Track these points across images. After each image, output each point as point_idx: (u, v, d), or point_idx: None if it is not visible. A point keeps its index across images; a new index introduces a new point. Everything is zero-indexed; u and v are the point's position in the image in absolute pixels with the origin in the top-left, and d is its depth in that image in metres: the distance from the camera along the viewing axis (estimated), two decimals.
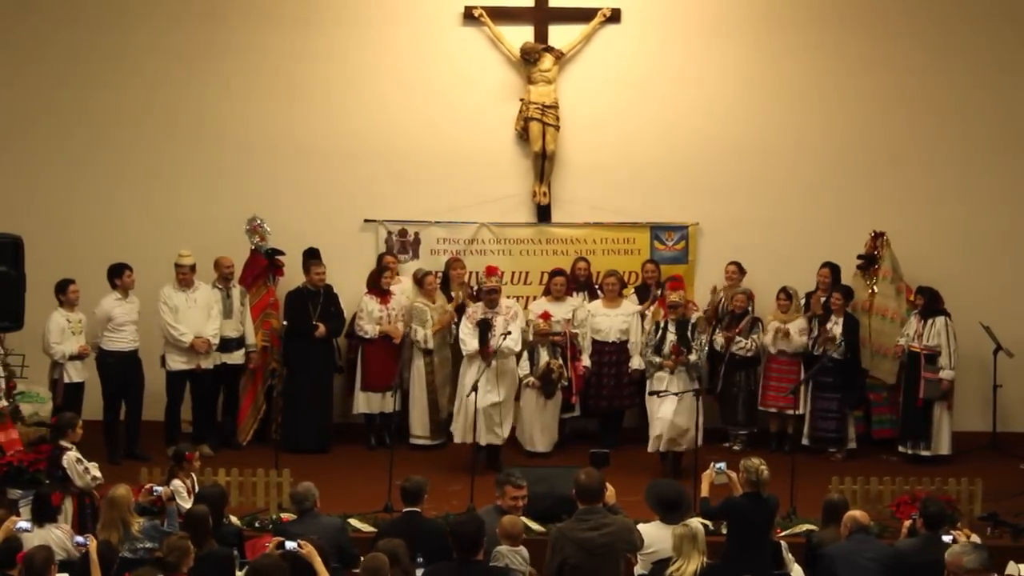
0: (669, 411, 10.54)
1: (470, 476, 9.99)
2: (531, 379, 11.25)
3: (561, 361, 11.30)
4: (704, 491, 8.36)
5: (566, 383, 11.38)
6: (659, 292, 11.90)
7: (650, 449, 10.77)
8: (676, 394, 10.51)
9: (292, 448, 11.22)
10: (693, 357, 10.63)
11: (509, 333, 10.75)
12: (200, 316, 11.35)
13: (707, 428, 10.90)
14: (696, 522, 7.52)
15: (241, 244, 11.79)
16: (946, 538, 7.55)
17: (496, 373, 10.86)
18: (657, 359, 10.69)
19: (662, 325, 10.78)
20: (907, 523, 8.26)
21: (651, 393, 10.79)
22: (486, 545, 7.24)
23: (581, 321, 11.70)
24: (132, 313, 11.19)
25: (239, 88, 12.36)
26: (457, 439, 11.17)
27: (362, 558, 7.22)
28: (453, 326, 11.50)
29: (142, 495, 8.69)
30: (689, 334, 10.69)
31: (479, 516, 7.60)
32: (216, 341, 11.38)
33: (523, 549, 7.39)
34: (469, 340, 10.91)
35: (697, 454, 10.35)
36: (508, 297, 11.82)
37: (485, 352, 10.76)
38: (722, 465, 8.31)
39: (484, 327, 10.83)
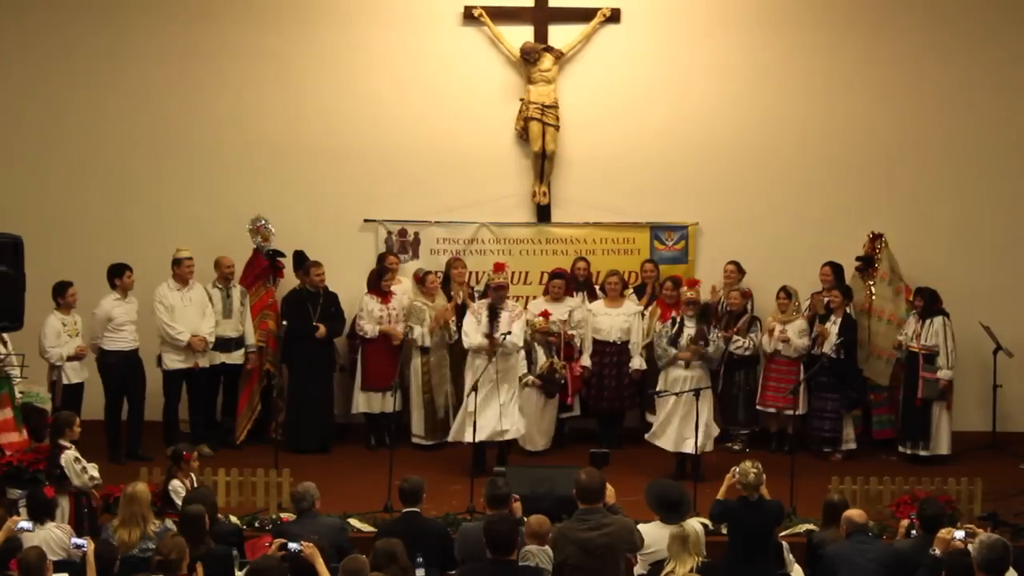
0: (675, 415, 10.53)
1: (470, 477, 9.99)
2: (531, 378, 11.20)
3: (562, 360, 11.28)
4: (721, 493, 8.36)
5: (563, 382, 11.36)
6: (658, 291, 11.90)
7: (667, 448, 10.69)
8: (678, 393, 10.48)
9: (294, 448, 11.24)
10: (711, 348, 10.58)
11: (509, 333, 10.68)
12: (196, 315, 11.35)
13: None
14: (691, 524, 7.51)
15: (241, 244, 11.77)
16: (958, 534, 7.42)
17: (498, 374, 10.67)
18: (673, 350, 10.60)
19: (678, 319, 10.72)
20: (904, 522, 8.27)
21: (655, 393, 10.72)
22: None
23: (579, 322, 11.65)
24: (132, 313, 11.18)
25: (239, 88, 12.34)
26: (465, 439, 10.78)
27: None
28: (451, 324, 11.48)
29: None
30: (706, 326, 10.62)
31: (512, 516, 7.54)
32: (212, 339, 11.38)
33: (548, 548, 7.36)
34: (472, 333, 10.70)
35: (702, 456, 10.40)
36: (509, 297, 11.84)
37: (491, 340, 10.54)
38: None
39: (493, 313, 10.64)
